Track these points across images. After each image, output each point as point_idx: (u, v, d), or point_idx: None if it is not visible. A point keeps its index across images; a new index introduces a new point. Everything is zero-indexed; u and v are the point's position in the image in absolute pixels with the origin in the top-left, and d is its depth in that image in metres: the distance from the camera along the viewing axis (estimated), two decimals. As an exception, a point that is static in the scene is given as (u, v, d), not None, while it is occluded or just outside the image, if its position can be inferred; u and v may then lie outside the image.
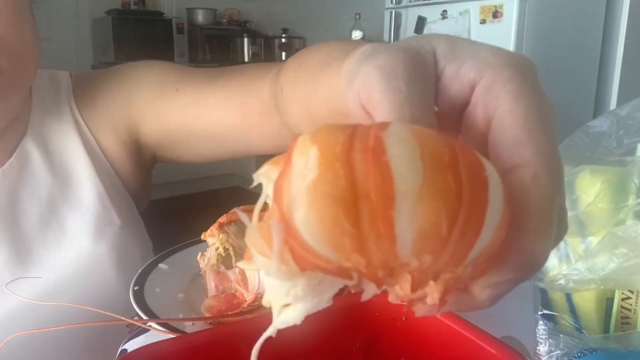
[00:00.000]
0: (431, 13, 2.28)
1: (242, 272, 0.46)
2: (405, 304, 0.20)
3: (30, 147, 0.65)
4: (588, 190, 0.41)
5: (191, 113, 0.65)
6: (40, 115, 0.66)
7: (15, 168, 0.63)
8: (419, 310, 0.21)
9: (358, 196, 0.17)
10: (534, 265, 0.20)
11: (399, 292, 0.20)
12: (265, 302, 0.20)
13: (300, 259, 0.18)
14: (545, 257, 0.20)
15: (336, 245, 0.17)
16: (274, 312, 0.20)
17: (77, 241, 0.65)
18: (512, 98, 0.22)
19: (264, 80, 0.57)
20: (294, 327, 0.20)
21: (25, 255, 0.63)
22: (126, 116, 0.68)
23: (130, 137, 0.70)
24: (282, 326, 0.20)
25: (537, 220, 0.20)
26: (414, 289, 0.19)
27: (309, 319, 0.20)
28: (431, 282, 0.19)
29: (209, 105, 0.64)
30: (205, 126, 0.65)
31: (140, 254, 0.71)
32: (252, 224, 0.18)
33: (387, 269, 0.18)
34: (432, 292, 0.19)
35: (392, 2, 2.43)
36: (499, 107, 0.23)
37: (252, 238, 0.19)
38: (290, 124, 0.50)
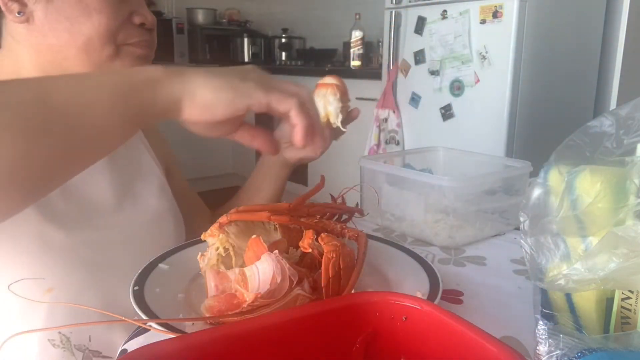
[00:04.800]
0: (431, 13, 2.28)
1: (242, 272, 0.46)
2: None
3: None
4: (588, 190, 0.41)
5: None
6: None
7: None
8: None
9: None
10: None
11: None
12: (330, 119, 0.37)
13: None
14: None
15: None
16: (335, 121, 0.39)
17: (157, 177, 0.79)
18: None
19: None
20: (294, 325, 0.18)
21: (127, 181, 0.73)
22: None
23: None
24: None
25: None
26: None
27: (309, 318, 0.17)
28: None
29: None
30: None
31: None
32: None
33: None
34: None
35: (392, 2, 2.43)
36: None
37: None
38: None
